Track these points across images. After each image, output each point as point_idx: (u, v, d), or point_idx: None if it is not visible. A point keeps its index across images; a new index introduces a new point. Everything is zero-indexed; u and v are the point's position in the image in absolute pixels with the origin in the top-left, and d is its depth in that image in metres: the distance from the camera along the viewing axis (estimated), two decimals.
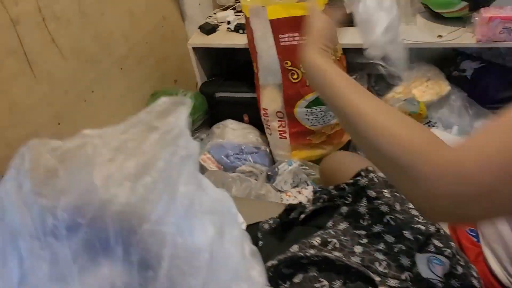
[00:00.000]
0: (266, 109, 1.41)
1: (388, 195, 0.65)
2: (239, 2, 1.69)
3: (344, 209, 0.65)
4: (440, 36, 1.34)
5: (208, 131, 1.68)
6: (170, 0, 1.74)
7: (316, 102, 1.31)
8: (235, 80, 1.68)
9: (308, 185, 1.42)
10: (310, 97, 1.31)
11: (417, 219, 0.60)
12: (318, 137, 1.41)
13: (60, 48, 1.18)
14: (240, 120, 1.68)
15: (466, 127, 1.41)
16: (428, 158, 0.37)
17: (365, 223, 0.61)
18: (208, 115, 1.71)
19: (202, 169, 1.53)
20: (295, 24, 1.20)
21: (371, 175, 0.68)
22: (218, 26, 1.63)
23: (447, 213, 0.38)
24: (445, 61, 1.63)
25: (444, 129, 1.39)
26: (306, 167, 1.42)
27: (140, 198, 0.29)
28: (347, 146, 1.49)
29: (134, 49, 1.55)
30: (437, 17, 1.42)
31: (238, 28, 1.57)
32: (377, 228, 0.60)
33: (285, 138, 1.44)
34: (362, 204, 0.65)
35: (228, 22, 1.57)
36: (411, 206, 0.64)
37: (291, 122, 1.39)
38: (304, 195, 1.35)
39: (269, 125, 1.45)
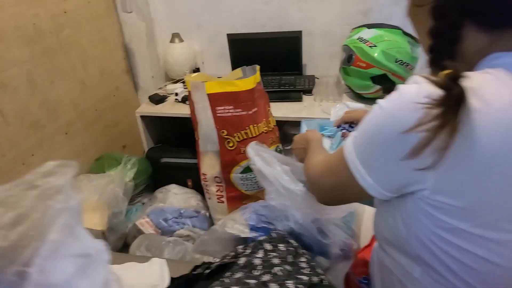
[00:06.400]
0: (206, 174, 1.49)
1: (283, 249, 0.73)
2: None
3: (242, 260, 0.71)
4: None
5: (151, 195, 1.73)
6: (124, 72, 1.88)
7: (250, 168, 1.42)
8: (181, 147, 1.78)
9: None
10: (244, 163, 1.41)
11: (303, 270, 0.68)
12: (253, 201, 1.49)
13: (4, 113, 1.24)
14: (184, 185, 1.74)
15: None
16: None
17: (257, 273, 0.68)
18: (152, 180, 1.76)
19: (139, 233, 1.55)
20: (230, 98, 1.34)
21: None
22: (167, 97, 1.76)
23: None
24: None
25: None
26: None
27: (12, 244, 0.36)
28: None
29: (82, 115, 1.63)
30: (359, 97, 1.62)
31: (185, 99, 1.70)
32: (265, 278, 0.66)
33: (223, 202, 1.51)
34: (258, 256, 0.72)
35: (176, 94, 1.70)
36: (302, 259, 0.72)
37: (228, 187, 1.47)
38: None
39: (208, 190, 1.52)
